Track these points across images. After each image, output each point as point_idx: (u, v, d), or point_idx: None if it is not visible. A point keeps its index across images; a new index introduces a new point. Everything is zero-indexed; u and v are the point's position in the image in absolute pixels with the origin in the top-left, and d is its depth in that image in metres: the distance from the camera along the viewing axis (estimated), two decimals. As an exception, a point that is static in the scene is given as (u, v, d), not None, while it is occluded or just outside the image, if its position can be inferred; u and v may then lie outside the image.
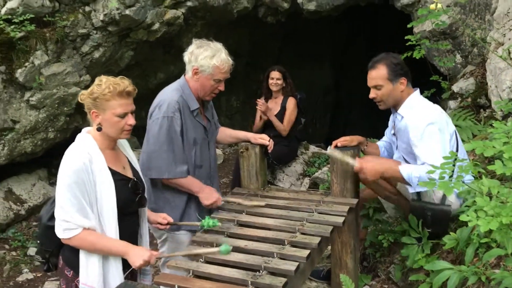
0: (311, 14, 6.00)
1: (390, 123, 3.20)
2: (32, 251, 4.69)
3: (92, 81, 5.14)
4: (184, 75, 2.94)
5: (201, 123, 2.94)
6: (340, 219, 2.65)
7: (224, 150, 7.06)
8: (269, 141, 3.06)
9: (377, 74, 2.87)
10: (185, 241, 2.94)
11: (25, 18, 4.55)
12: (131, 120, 2.23)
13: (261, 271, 2.17)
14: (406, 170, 2.73)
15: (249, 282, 2.08)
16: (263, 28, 7.26)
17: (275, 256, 2.29)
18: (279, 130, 4.99)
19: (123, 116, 2.20)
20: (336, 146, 3.01)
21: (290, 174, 5.41)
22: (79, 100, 2.27)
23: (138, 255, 2.15)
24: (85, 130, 2.34)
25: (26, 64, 4.64)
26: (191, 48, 2.87)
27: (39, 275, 4.43)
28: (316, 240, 2.42)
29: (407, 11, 5.21)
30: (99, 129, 2.24)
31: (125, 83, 2.20)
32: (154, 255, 2.19)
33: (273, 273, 2.17)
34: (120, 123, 2.21)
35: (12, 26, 4.55)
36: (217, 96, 3.02)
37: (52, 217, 2.25)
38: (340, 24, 8.18)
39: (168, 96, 2.84)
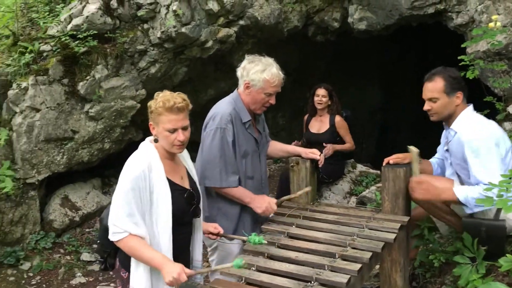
0: (361, 33, 6.02)
1: (442, 139, 3.17)
2: (85, 256, 4.89)
3: (147, 95, 5.41)
4: (237, 89, 3.06)
5: (253, 135, 3.03)
6: (392, 236, 2.64)
7: (269, 166, 7.12)
8: (320, 156, 3.10)
9: (434, 87, 2.88)
10: (235, 250, 3.01)
11: (88, 34, 4.82)
12: (180, 136, 2.30)
13: (312, 282, 2.20)
14: (461, 193, 2.71)
15: (301, 291, 2.11)
16: (312, 46, 7.33)
17: (326, 268, 2.31)
18: (348, 149, 5.14)
19: (172, 131, 2.29)
20: (388, 163, 3.02)
21: (336, 192, 5.39)
22: None
23: (169, 271, 2.14)
24: (148, 139, 2.46)
25: (88, 77, 4.90)
26: (243, 63, 3.00)
27: (91, 279, 4.60)
28: (368, 255, 2.42)
29: (460, 31, 5.15)
30: (155, 141, 2.37)
31: (176, 100, 2.29)
32: (186, 273, 2.15)
33: (325, 284, 2.19)
34: (170, 138, 2.30)
35: (76, 42, 4.84)
36: (265, 112, 3.12)
37: (111, 221, 2.37)
38: (389, 43, 8.14)
39: (221, 108, 2.96)
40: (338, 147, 5.07)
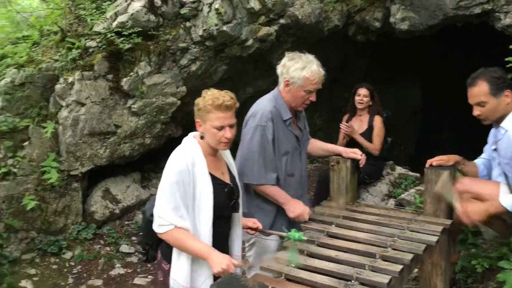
0: (403, 33, 5.92)
1: (490, 138, 3.06)
2: (124, 248, 5.01)
3: (188, 92, 5.49)
4: (278, 87, 3.06)
5: (293, 133, 3.03)
6: (434, 238, 2.60)
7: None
8: (361, 155, 3.07)
9: (479, 91, 2.79)
10: (272, 247, 3.02)
11: (133, 31, 4.94)
12: (227, 134, 2.34)
13: (352, 281, 2.19)
14: (508, 202, 2.63)
15: (341, 290, 2.11)
16: (352, 45, 7.26)
17: (367, 268, 2.29)
18: (370, 149, 4.92)
19: (220, 128, 2.33)
20: (431, 165, 2.96)
21: (374, 194, 5.33)
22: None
23: (218, 261, 2.19)
24: (191, 134, 2.50)
25: (131, 73, 5.02)
26: (283, 60, 2.99)
27: (129, 271, 4.71)
28: (409, 256, 2.39)
29: (508, 32, 4.99)
30: (201, 138, 2.41)
31: (225, 98, 2.33)
32: (234, 264, 2.21)
33: (365, 284, 2.18)
34: (217, 135, 2.34)
35: (121, 39, 4.97)
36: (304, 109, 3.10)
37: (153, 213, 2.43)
38: (432, 43, 7.97)
39: (262, 106, 2.97)
40: (360, 139, 4.95)
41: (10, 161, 4.52)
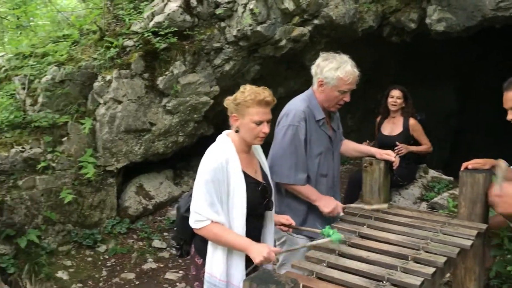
0: (439, 35, 5.84)
1: None
2: (156, 243, 5.12)
3: (221, 92, 5.56)
4: (312, 87, 3.06)
5: (326, 133, 3.02)
6: (468, 242, 2.56)
7: (337, 167, 7.06)
8: (395, 157, 3.05)
9: None
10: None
11: (169, 31, 5.04)
12: (265, 128, 2.38)
13: (384, 282, 2.18)
14: None
15: (372, 290, 2.11)
16: (385, 46, 7.19)
17: (398, 269, 2.28)
18: (425, 151, 4.96)
19: (259, 123, 2.36)
20: (466, 168, 2.92)
21: (406, 197, 5.26)
22: (225, 104, 2.47)
23: (258, 251, 2.25)
24: (225, 132, 2.54)
25: (166, 72, 5.12)
26: (318, 60, 2.99)
27: (161, 265, 4.81)
28: (442, 259, 2.36)
29: (549, 33, 4.87)
30: (237, 131, 2.44)
31: (265, 93, 2.37)
32: (273, 251, 2.28)
33: (397, 285, 2.17)
34: (255, 130, 2.37)
35: (157, 38, 5.08)
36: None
37: (188, 209, 2.47)
38: (469, 43, 7.79)
39: (295, 105, 2.98)
40: (414, 148, 4.93)
41: (49, 156, 4.67)
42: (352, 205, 3.05)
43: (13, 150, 4.50)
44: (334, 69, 2.87)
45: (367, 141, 5.08)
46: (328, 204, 2.93)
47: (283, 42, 5.53)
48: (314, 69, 3.00)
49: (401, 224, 2.83)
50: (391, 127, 5.09)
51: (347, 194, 5.17)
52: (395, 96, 5.03)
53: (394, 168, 3.12)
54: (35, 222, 4.55)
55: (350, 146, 3.31)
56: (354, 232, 2.74)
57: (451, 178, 5.50)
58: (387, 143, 4.94)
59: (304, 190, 2.94)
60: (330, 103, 2.97)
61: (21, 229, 4.43)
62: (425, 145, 4.98)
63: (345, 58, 2.92)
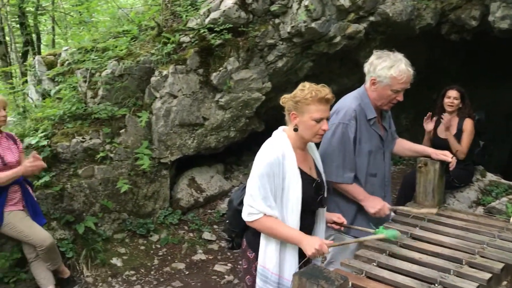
0: (503, 33, 5.59)
1: None
2: (206, 235, 5.22)
3: (273, 88, 5.59)
4: (364, 85, 3.02)
5: (378, 132, 2.98)
6: (528, 249, 2.46)
7: (389, 167, 6.92)
8: (452, 158, 2.97)
9: None
10: (351, 246, 3.00)
11: (224, 27, 5.12)
12: (325, 126, 2.39)
13: (436, 285, 2.14)
14: None
15: (424, 292, 2.08)
16: (443, 44, 6.97)
17: (452, 273, 2.23)
18: (457, 152, 4.72)
19: (319, 120, 2.37)
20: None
21: (461, 200, 5.10)
22: (281, 102, 2.49)
23: (310, 244, 2.26)
24: (281, 128, 2.55)
25: (220, 68, 5.21)
26: (371, 58, 2.94)
27: (210, 257, 4.91)
28: (499, 265, 2.29)
29: None
30: (295, 130, 2.44)
31: (325, 91, 2.37)
32: (326, 244, 2.27)
33: (449, 289, 2.13)
34: (315, 127, 2.38)
35: (213, 34, 5.17)
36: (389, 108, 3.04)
37: (241, 203, 2.51)
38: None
39: (346, 103, 2.95)
40: (451, 139, 4.70)
41: (107, 147, 4.87)
42: (400, 207, 3.00)
43: (74, 140, 4.72)
44: (388, 68, 2.82)
45: (430, 113, 4.92)
46: (374, 204, 2.89)
47: (338, 39, 5.47)
48: (367, 67, 2.96)
49: (455, 227, 2.76)
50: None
51: (400, 195, 5.07)
52: (452, 97, 4.86)
53: (451, 169, 3.03)
54: (92, 209, 4.76)
55: (405, 146, 3.25)
56: (406, 233, 2.70)
57: (511, 183, 5.27)
58: (442, 145, 4.79)
59: (351, 189, 2.91)
60: (382, 102, 2.93)
61: (80, 216, 4.65)
62: (461, 147, 4.72)
63: (399, 56, 2.87)
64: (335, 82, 6.65)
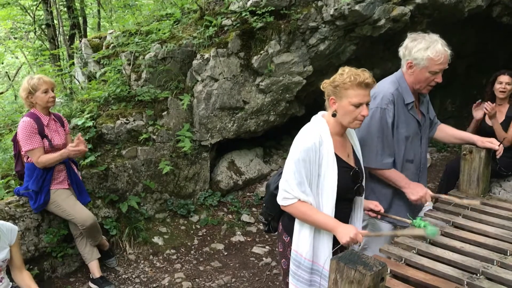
0: (559, 14, 5.30)
1: None
2: (244, 217, 5.29)
3: (314, 72, 5.53)
4: (401, 69, 2.96)
5: (415, 117, 2.92)
6: None
7: (432, 155, 6.77)
8: (499, 145, 2.87)
9: None
10: (385, 230, 2.98)
11: (266, 10, 5.09)
12: (364, 111, 2.33)
13: (478, 275, 2.10)
14: None
15: (465, 282, 2.04)
16: (492, 28, 6.67)
17: (495, 263, 2.18)
18: (503, 138, 4.53)
19: (358, 105, 2.31)
20: None
21: (508, 190, 4.91)
22: (321, 87, 2.45)
23: (345, 232, 2.24)
24: (320, 113, 2.52)
25: (261, 52, 5.19)
26: (405, 42, 2.87)
27: (248, 239, 4.97)
28: (546, 258, 2.22)
29: None
30: (334, 115, 2.40)
31: (365, 75, 2.31)
32: (361, 234, 2.25)
33: (492, 279, 2.07)
34: (354, 112, 2.33)
35: (255, 17, 5.15)
36: (432, 97, 2.94)
37: (277, 187, 2.51)
38: None
39: (384, 88, 2.88)
40: (497, 126, 4.51)
41: (150, 129, 4.98)
42: (442, 195, 2.92)
43: (118, 122, 4.85)
44: (424, 49, 2.74)
45: (479, 101, 4.75)
46: (416, 191, 2.83)
47: (382, 22, 5.34)
48: (401, 51, 2.89)
49: (501, 217, 2.69)
50: (497, 115, 4.73)
51: (442, 182, 4.95)
52: (504, 82, 4.65)
53: (497, 157, 2.93)
54: (135, 189, 4.90)
55: (449, 132, 3.16)
56: (448, 222, 2.65)
57: None
58: (490, 132, 4.62)
59: (391, 175, 2.87)
60: (420, 85, 2.85)
61: (123, 195, 4.79)
62: (508, 135, 4.51)
63: (434, 37, 2.78)
64: (378, 66, 6.52)
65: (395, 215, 2.76)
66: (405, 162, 2.92)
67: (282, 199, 2.41)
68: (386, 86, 2.90)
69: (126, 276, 4.24)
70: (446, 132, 3.17)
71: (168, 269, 4.39)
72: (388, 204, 2.97)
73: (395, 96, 2.83)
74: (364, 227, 3.07)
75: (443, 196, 2.93)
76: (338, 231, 2.27)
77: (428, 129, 3.08)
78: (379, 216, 2.74)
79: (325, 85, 2.43)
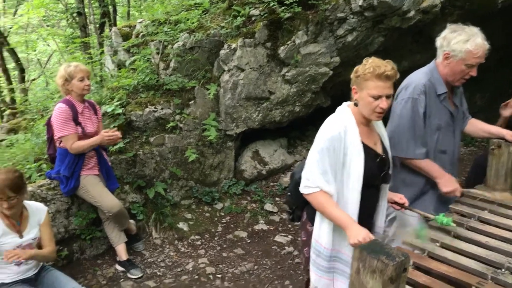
0: None
1: None
2: (268, 206, 5.34)
3: (341, 63, 5.50)
4: (435, 60, 2.94)
5: (448, 108, 2.91)
6: None
7: (459, 149, 6.66)
8: (529, 140, 2.83)
9: None
10: (413, 225, 2.97)
11: (294, 0, 5.08)
12: (383, 104, 2.31)
13: (503, 270, 2.09)
14: None
15: (489, 276, 2.04)
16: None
17: (521, 259, 2.17)
18: None
19: (377, 98, 2.30)
20: None
21: (537, 186, 4.83)
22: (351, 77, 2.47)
23: (356, 233, 2.21)
24: (345, 103, 2.54)
25: (288, 42, 5.20)
26: (444, 32, 2.85)
27: (271, 228, 5.03)
28: None
29: None
30: (355, 105, 2.42)
31: (387, 67, 2.29)
32: (370, 238, 2.20)
33: (517, 275, 2.07)
34: (372, 104, 2.32)
35: (282, 8, 5.15)
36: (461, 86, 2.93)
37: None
38: None
39: (416, 78, 2.89)
40: None
41: (177, 117, 5.06)
42: (473, 190, 2.91)
43: (147, 110, 4.94)
44: (463, 42, 2.73)
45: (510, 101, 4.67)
46: (448, 183, 2.83)
47: (412, 13, 5.27)
48: (440, 41, 2.88)
49: (528, 213, 2.65)
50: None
51: (469, 177, 4.88)
52: None
53: (526, 152, 2.89)
54: (162, 176, 4.99)
55: (478, 126, 3.14)
56: (473, 216, 2.64)
57: None
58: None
59: (425, 165, 2.87)
60: (455, 77, 2.85)
61: (150, 181, 4.90)
62: None
63: (474, 30, 2.77)
64: (407, 58, 6.44)
65: (425, 207, 2.77)
66: (438, 153, 2.93)
67: (303, 187, 2.43)
68: (418, 76, 2.91)
69: (152, 260, 4.35)
70: (475, 126, 3.15)
71: (192, 254, 4.49)
72: (418, 195, 2.97)
73: (427, 86, 2.84)
74: (391, 219, 3.08)
75: (473, 191, 2.91)
76: (349, 230, 2.26)
77: (461, 121, 3.06)
78: (403, 209, 2.74)
79: (352, 74, 2.45)
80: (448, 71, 2.84)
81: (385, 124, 2.93)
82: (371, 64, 2.32)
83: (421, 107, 2.81)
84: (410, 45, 6.33)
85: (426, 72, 2.91)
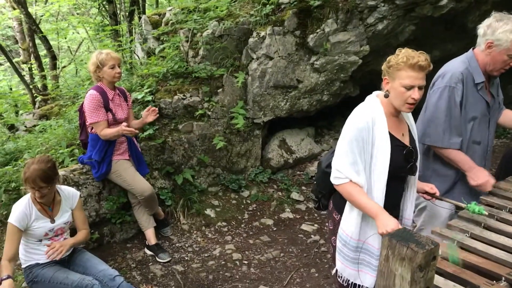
0: None
1: None
2: (294, 195, 5.36)
3: (371, 52, 5.44)
4: (473, 49, 2.89)
5: (485, 98, 2.86)
6: None
7: (490, 140, 6.54)
8: None
9: None
10: (443, 215, 2.96)
11: (324, -12, 5.05)
12: (415, 94, 2.29)
13: (534, 261, 2.07)
14: None
15: (520, 267, 2.02)
16: None
17: (553, 252, 2.14)
18: None
19: (409, 88, 2.28)
20: None
21: None
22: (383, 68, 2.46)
23: (385, 223, 2.21)
24: (375, 93, 2.52)
25: (318, 30, 5.17)
26: (488, 20, 2.79)
27: (297, 216, 5.05)
28: None
29: None
30: (386, 96, 2.40)
31: (420, 57, 2.27)
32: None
33: (549, 267, 2.04)
34: (404, 95, 2.30)
35: (312, -5, 5.12)
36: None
37: (329, 165, 2.55)
38: None
39: (453, 67, 2.84)
40: None
41: (206, 105, 5.11)
42: (504, 182, 2.86)
43: (176, 97, 5.01)
44: (510, 32, 2.68)
45: None
46: (478, 176, 2.79)
47: (444, 2, 5.16)
48: (483, 30, 2.81)
49: (562, 206, 2.60)
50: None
51: (499, 169, 4.79)
52: None
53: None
54: (190, 163, 5.07)
55: (511, 117, 3.08)
56: (504, 207, 2.61)
57: None
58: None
59: (456, 156, 2.83)
60: (495, 66, 2.80)
61: (179, 168, 4.98)
62: None
63: None
64: (438, 48, 6.32)
65: (456, 199, 2.74)
66: (471, 144, 2.89)
67: (334, 178, 2.44)
68: (455, 65, 2.86)
69: (180, 245, 4.44)
70: (508, 117, 3.09)
71: (219, 240, 4.56)
72: (450, 187, 2.95)
73: (465, 75, 2.80)
74: (421, 209, 3.07)
75: (503, 183, 2.86)
76: (379, 219, 2.26)
77: (496, 112, 3.01)
78: (433, 199, 2.72)
79: (384, 64, 2.43)
80: (489, 60, 2.79)
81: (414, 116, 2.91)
82: (404, 54, 2.30)
83: (458, 96, 2.77)
84: (442, 34, 6.20)
85: (463, 61, 2.87)
